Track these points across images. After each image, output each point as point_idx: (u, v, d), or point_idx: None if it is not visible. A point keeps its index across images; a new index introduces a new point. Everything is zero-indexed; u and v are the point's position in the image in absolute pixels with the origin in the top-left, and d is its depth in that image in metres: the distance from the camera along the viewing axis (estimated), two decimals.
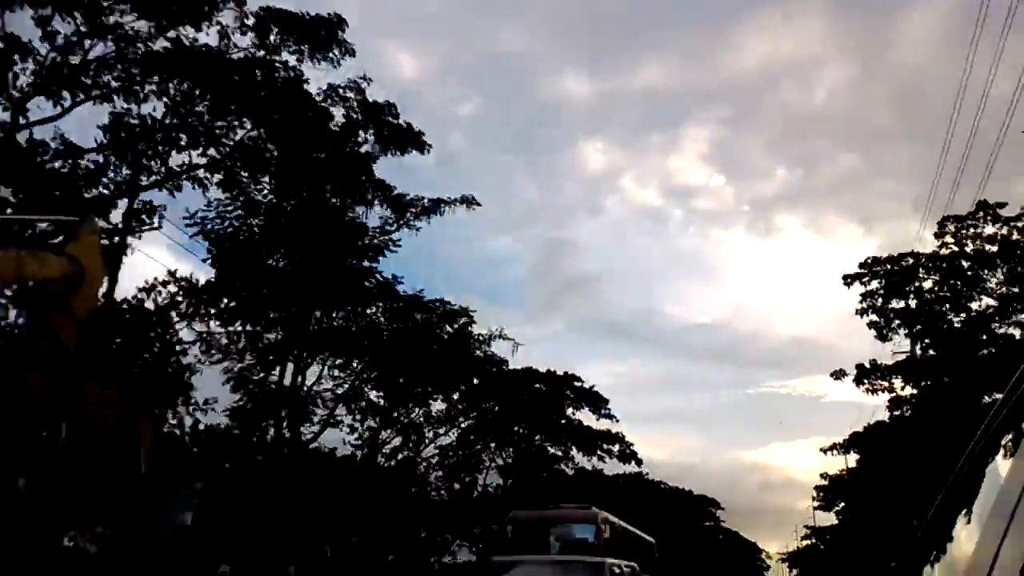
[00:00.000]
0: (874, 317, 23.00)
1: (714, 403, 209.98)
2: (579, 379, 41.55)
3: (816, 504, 40.33)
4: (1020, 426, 1.27)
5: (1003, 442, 1.40)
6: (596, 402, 42.42)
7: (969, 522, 1.59)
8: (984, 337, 22.33)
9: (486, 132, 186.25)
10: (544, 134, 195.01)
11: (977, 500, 1.52)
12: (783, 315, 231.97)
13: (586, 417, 43.08)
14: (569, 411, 42.65)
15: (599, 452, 42.71)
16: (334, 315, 25.12)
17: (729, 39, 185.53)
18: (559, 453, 43.18)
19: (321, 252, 22.03)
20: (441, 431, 35.07)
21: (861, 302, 21.40)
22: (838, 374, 26.33)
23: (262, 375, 23.75)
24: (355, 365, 27.62)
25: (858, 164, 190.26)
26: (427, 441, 34.74)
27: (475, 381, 35.69)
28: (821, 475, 41.19)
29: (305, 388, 25.01)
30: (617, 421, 42.50)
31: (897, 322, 21.76)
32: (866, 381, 25.62)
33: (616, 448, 42.65)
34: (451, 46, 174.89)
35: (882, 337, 21.53)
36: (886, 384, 24.94)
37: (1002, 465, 1.33)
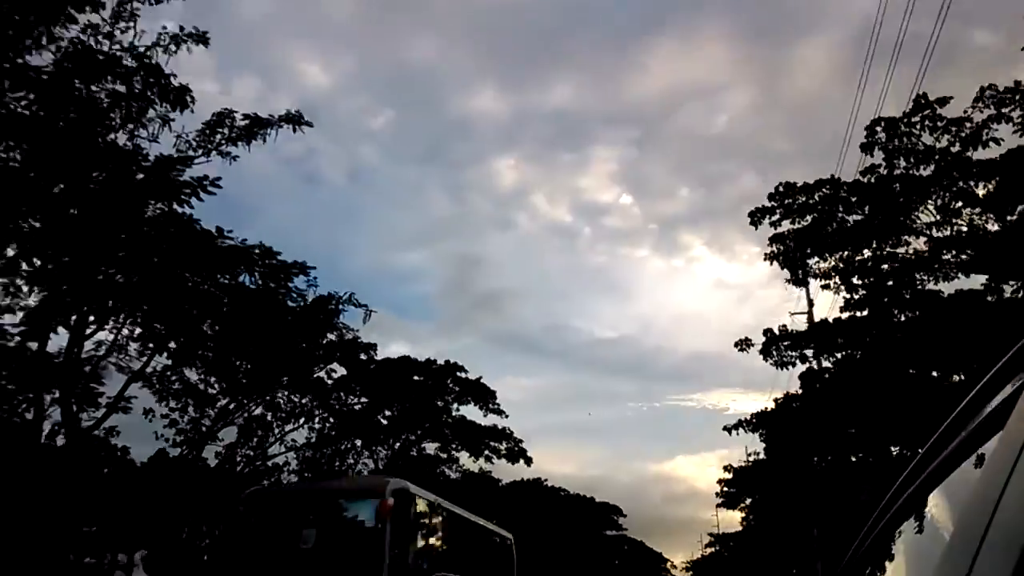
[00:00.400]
0: (786, 273, 19.60)
1: (620, 417, 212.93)
2: (463, 369, 36.87)
3: (720, 500, 37.26)
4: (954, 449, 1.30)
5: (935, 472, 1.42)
6: (483, 395, 37.78)
7: (898, 548, 1.64)
8: (907, 295, 19.04)
9: (398, 146, 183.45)
10: (456, 149, 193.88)
11: (910, 526, 1.55)
12: (687, 331, 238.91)
13: (471, 413, 38.40)
14: (453, 407, 37.88)
15: (486, 451, 38.02)
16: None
17: (637, 61, 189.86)
18: (441, 454, 38.26)
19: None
20: (291, 427, 29.53)
21: (769, 245, 17.82)
22: (743, 344, 22.94)
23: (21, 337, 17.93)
24: (167, 337, 21.94)
25: (758, 185, 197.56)
26: (274, 438, 29.14)
27: (336, 368, 30.41)
28: (725, 467, 37.86)
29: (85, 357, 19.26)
30: (506, 416, 38.06)
31: (814, 272, 18.29)
32: (775, 352, 22.12)
33: (504, 446, 38.06)
34: (362, 57, 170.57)
35: (798, 282, 17.95)
36: (796, 354, 21.61)
37: (962, 478, 1.27)
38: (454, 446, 38.25)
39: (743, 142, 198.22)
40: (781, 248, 17.15)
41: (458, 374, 36.84)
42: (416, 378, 35.73)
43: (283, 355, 27.27)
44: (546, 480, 60.07)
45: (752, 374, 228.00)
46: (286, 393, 28.75)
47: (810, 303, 28.60)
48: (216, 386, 26.86)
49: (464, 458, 38.93)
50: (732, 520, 74.05)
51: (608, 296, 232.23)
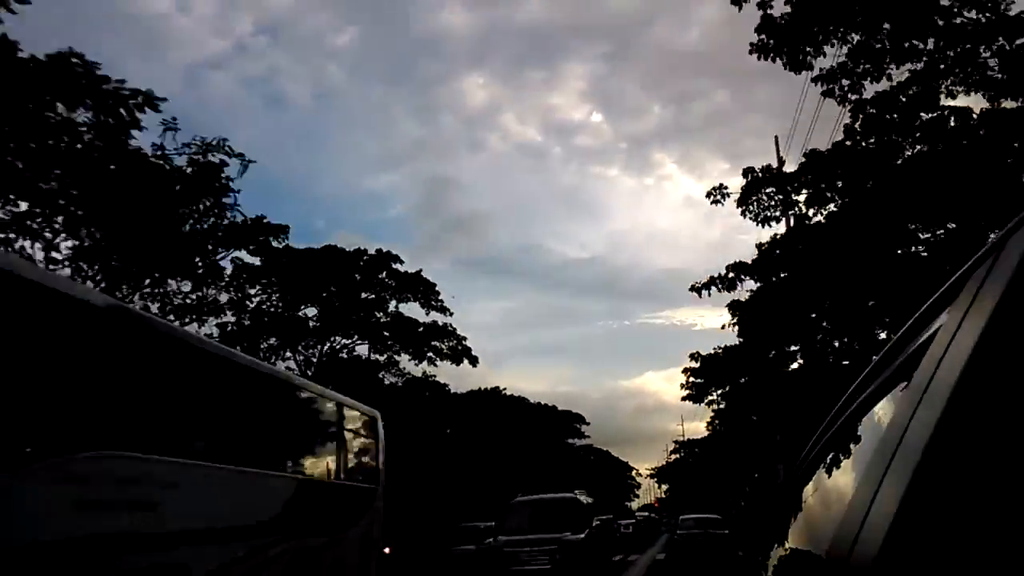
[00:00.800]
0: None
1: (591, 335, 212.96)
2: (398, 259, 32.43)
3: (686, 393, 34.17)
4: (901, 367, 1.35)
5: (884, 382, 1.49)
6: (423, 290, 33.56)
7: (844, 460, 1.72)
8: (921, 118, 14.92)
9: (364, 65, 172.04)
10: (424, 68, 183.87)
11: (858, 437, 1.62)
12: (657, 249, 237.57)
13: (413, 311, 34.31)
14: (391, 304, 33.61)
15: (429, 352, 34.07)
16: None
17: None
18: (378, 357, 34.22)
19: None
20: (187, 324, 25.03)
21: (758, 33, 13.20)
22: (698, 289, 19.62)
23: None
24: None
25: (728, 102, 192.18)
26: None
27: (242, 255, 25.79)
28: (691, 355, 33.96)
29: None
30: (451, 314, 33.98)
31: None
32: (755, 204, 18.01)
33: (446, 345, 34.11)
34: None
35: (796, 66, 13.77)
36: (779, 202, 17.61)
37: (886, 404, 1.39)
38: (393, 347, 34.18)
39: (715, 57, 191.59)
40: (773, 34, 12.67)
41: (393, 265, 32.45)
42: (347, 271, 31.27)
43: (155, 228, 22.57)
44: (504, 389, 56.96)
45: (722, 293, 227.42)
46: (175, 282, 24.16)
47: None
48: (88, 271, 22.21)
49: (405, 362, 34.99)
50: (698, 431, 74.84)
51: (579, 216, 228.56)
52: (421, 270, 33.54)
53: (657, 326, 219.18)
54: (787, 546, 2.03)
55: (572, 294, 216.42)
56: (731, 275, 19.62)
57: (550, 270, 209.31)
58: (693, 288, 20.39)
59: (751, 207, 18.12)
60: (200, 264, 24.14)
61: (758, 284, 21.65)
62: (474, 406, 51.01)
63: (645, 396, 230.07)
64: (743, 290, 20.98)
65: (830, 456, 1.90)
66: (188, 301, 24.83)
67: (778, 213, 18.54)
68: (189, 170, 19.84)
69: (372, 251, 32.17)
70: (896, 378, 1.38)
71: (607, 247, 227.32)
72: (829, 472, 1.86)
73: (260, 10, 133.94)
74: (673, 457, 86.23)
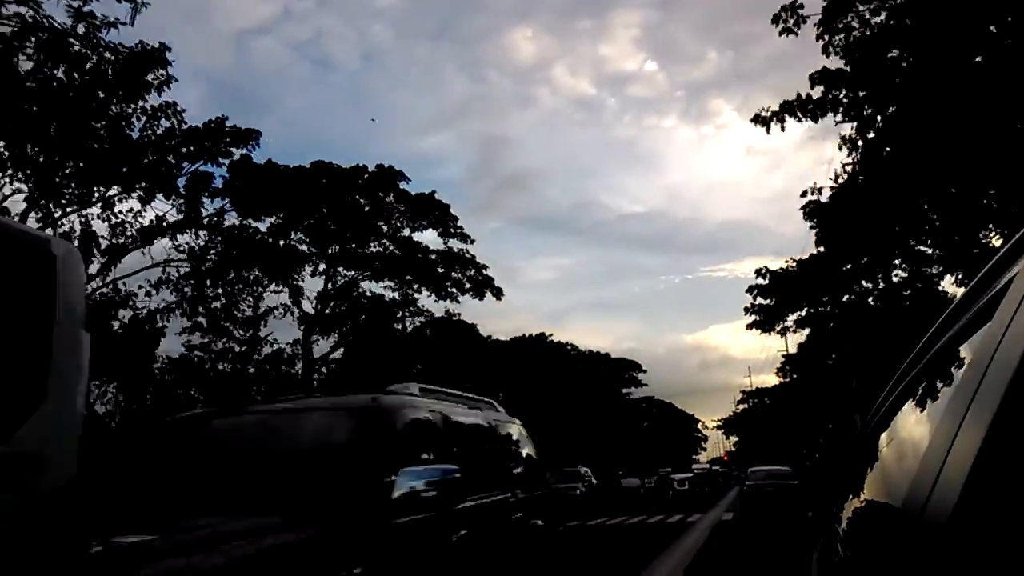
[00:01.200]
0: None
1: (652, 290, 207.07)
2: (403, 177, 27.80)
3: (752, 320, 29.30)
4: (983, 305, 1.31)
5: (963, 322, 1.45)
6: (438, 215, 28.99)
7: (921, 409, 1.63)
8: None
9: (409, 23, 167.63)
10: (470, 23, 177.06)
11: (936, 384, 1.53)
12: (717, 201, 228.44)
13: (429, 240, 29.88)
14: (404, 231, 29.18)
15: (449, 285, 29.57)
16: None
17: None
18: (394, 295, 29.92)
19: None
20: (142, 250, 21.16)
21: None
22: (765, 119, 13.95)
23: None
24: None
25: (788, 44, 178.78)
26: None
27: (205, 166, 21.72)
28: (757, 271, 27.83)
29: None
30: (472, 242, 29.38)
31: None
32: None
33: (466, 276, 29.53)
34: None
35: None
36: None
37: (965, 349, 1.35)
38: (410, 283, 29.83)
39: None
40: None
41: (401, 185, 27.89)
42: (341, 192, 26.86)
43: (90, 131, 18.63)
44: (551, 336, 52.34)
45: (783, 241, 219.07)
46: (123, 197, 20.23)
47: None
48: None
49: (424, 299, 30.61)
50: (766, 383, 71.07)
51: (636, 169, 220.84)
52: (434, 191, 28.95)
53: (719, 279, 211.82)
54: (862, 498, 1.95)
55: (631, 249, 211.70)
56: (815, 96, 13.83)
57: (607, 225, 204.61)
58: (757, 119, 14.61)
59: (837, 32, 12.50)
60: (153, 176, 20.04)
61: (852, 125, 15.25)
62: (519, 354, 46.70)
63: (709, 350, 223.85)
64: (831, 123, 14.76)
65: (907, 404, 1.83)
66: (139, 220, 20.78)
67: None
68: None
69: (372, 168, 27.63)
70: (976, 322, 1.32)
71: (665, 200, 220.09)
72: (906, 421, 1.79)
73: None
74: (741, 408, 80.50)
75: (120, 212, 20.01)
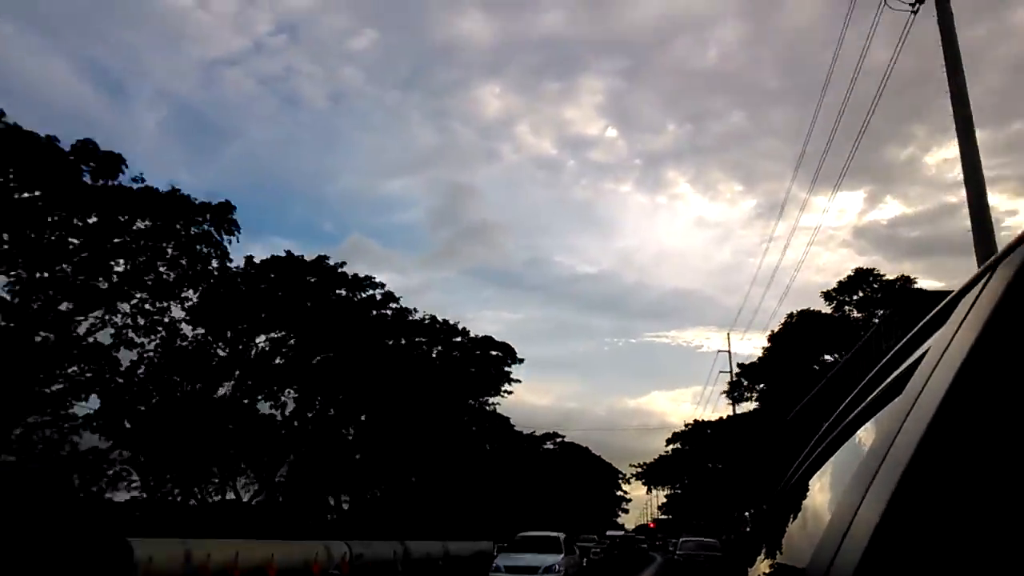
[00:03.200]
0: None
1: (598, 352, 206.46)
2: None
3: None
4: (881, 387, 1.43)
5: (867, 401, 1.55)
6: None
7: (829, 478, 1.73)
8: None
9: (381, 69, 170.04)
10: (440, 74, 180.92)
11: (844, 456, 1.63)
12: (666, 268, 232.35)
13: None
14: None
15: None
16: None
17: None
18: None
19: None
20: None
21: None
22: None
23: None
24: None
25: (745, 123, 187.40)
26: None
27: None
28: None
29: None
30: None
31: None
32: None
33: None
34: None
35: None
36: None
37: (873, 423, 1.44)
38: None
39: (732, 77, 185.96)
40: None
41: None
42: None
43: None
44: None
45: (727, 312, 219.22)
46: None
47: None
48: None
49: None
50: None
51: (590, 231, 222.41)
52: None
53: (663, 345, 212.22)
54: (771, 560, 2.05)
55: (579, 309, 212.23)
56: None
57: (559, 284, 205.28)
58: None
59: None
60: None
61: None
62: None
63: (650, 416, 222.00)
64: None
65: (817, 474, 1.93)
66: None
67: None
68: None
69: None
70: (884, 397, 1.40)
71: (616, 263, 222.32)
72: (815, 489, 1.88)
73: (279, 10, 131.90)
74: (671, 448, 74.66)
75: None
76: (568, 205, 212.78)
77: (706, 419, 68.50)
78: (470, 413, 51.35)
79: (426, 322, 46.73)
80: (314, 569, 27.81)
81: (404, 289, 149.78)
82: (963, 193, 13.41)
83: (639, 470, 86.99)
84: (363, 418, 42.83)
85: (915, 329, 1.36)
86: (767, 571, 1.97)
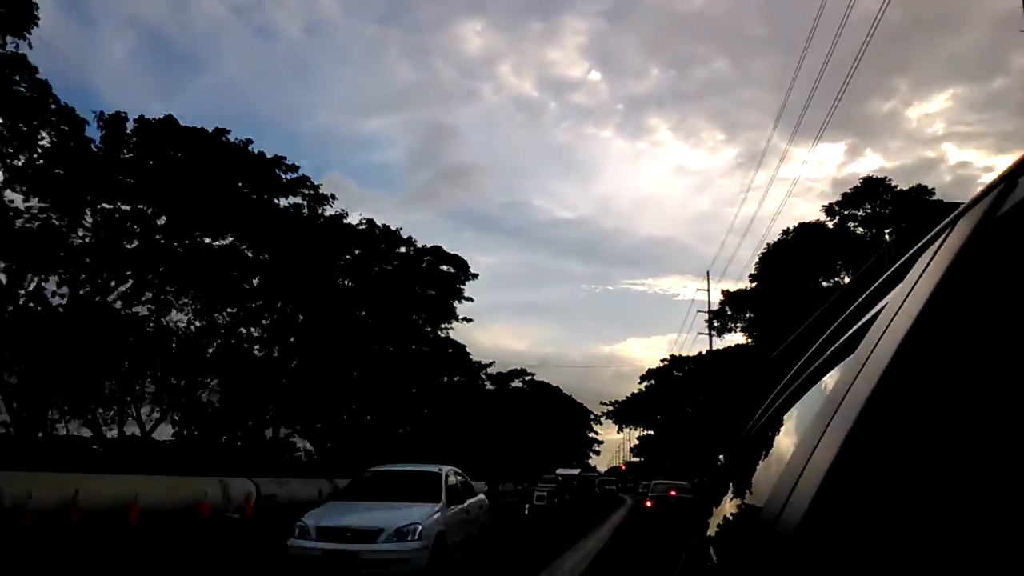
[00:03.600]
0: None
1: (574, 298, 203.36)
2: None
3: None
4: (844, 335, 1.47)
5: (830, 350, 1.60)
6: None
7: (786, 429, 1.84)
8: None
9: (358, 1, 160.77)
10: (420, 8, 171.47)
11: (802, 407, 1.70)
12: (645, 215, 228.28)
13: None
14: None
15: None
16: None
17: None
18: None
19: None
20: None
21: None
22: None
23: None
24: None
25: (728, 71, 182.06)
26: None
27: None
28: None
29: None
30: None
31: None
32: None
33: None
34: None
35: None
36: None
37: (830, 376, 1.48)
38: None
39: (718, 23, 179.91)
40: None
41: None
42: None
43: None
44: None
45: (703, 261, 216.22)
46: None
47: None
48: None
49: None
50: None
51: (570, 175, 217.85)
52: None
53: (640, 292, 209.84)
54: (732, 502, 2.14)
55: (557, 254, 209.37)
56: None
57: (537, 228, 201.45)
58: None
59: None
60: None
61: None
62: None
63: (625, 362, 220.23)
64: None
65: (776, 424, 2.02)
66: None
67: None
68: None
69: None
70: (842, 352, 1.45)
71: (595, 209, 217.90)
72: (779, 433, 1.94)
73: None
74: (644, 387, 69.50)
75: None
76: (548, 148, 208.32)
77: (684, 355, 63.73)
78: (420, 339, 45.04)
79: (362, 227, 39.85)
80: (203, 511, 21.91)
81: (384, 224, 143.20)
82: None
83: (611, 408, 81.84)
84: (291, 339, 36.56)
85: (875, 284, 1.39)
86: (731, 511, 2.05)
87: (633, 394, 74.73)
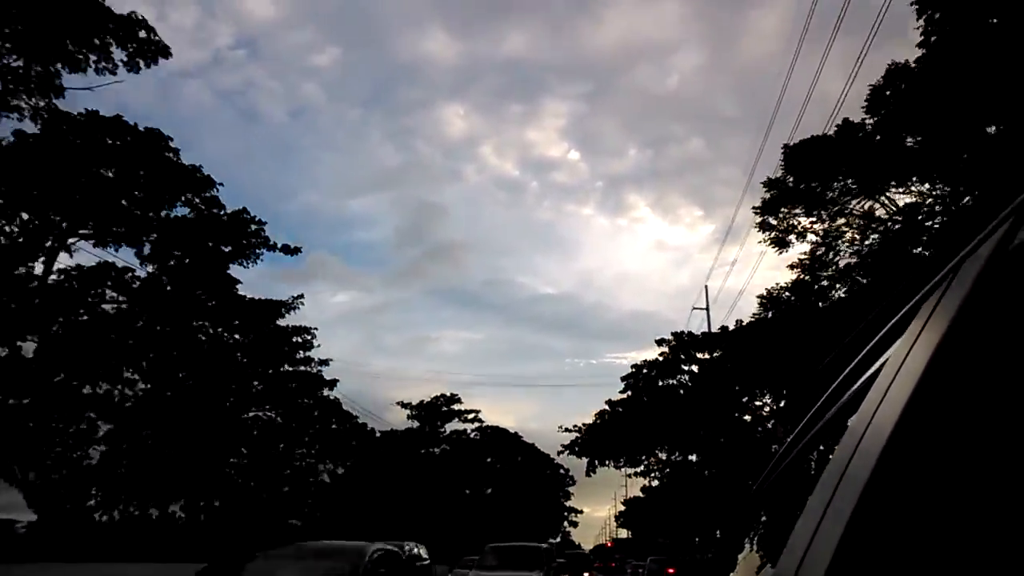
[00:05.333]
0: None
1: (559, 372, 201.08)
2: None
3: None
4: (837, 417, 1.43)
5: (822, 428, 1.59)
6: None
7: (791, 494, 1.77)
8: None
9: (343, 86, 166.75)
10: (403, 93, 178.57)
11: (805, 471, 1.69)
12: (626, 290, 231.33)
13: None
14: None
15: None
16: None
17: (593, 12, 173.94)
18: None
19: None
20: None
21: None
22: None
23: None
24: None
25: (703, 149, 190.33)
26: None
27: None
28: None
29: None
30: None
31: None
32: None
33: None
34: None
35: None
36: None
37: (836, 437, 1.40)
38: None
39: (692, 104, 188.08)
40: None
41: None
42: None
43: None
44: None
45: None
46: None
47: None
48: None
49: None
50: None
51: (552, 252, 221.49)
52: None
53: (624, 367, 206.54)
54: (741, 561, 2.11)
55: (539, 329, 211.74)
56: None
57: (520, 304, 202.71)
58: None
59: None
60: None
61: None
62: None
63: None
64: None
65: (778, 491, 1.96)
66: None
67: None
68: None
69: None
70: (846, 410, 1.41)
71: (577, 285, 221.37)
72: (777, 506, 1.92)
73: (241, 24, 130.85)
74: (620, 398, 55.28)
75: None
76: (531, 226, 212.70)
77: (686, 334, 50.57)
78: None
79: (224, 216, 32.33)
80: None
81: (366, 308, 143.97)
82: None
83: (576, 435, 59.30)
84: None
85: (877, 337, 1.34)
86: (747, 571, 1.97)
87: (600, 412, 56.20)
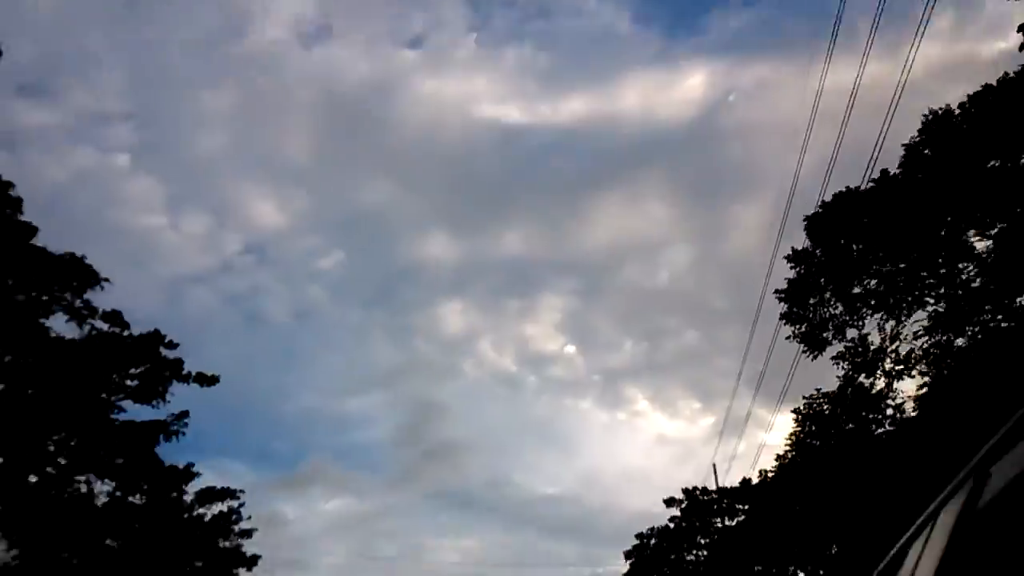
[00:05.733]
0: None
1: None
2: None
3: None
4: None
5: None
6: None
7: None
8: None
9: (346, 288, 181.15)
10: (404, 293, 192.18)
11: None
12: (630, 488, 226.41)
13: None
14: None
15: None
16: None
17: (584, 214, 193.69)
18: None
19: None
20: None
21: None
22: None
23: None
24: None
25: (698, 342, 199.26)
26: None
27: None
28: None
29: None
30: None
31: None
32: None
33: None
34: (315, 198, 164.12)
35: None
36: None
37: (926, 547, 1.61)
38: None
39: (684, 298, 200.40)
40: None
41: None
42: None
43: None
44: None
45: None
46: None
47: None
48: None
49: None
50: None
51: (551, 449, 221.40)
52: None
53: None
54: None
55: (541, 534, 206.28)
56: None
57: (520, 507, 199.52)
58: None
59: None
60: None
61: None
62: None
63: None
64: None
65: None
66: None
67: None
68: None
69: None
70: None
71: (578, 483, 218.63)
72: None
73: (250, 231, 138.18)
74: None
75: None
76: (528, 422, 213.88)
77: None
78: None
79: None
80: None
81: (363, 514, 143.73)
82: None
83: None
84: None
85: (902, 540, 1.46)
86: None
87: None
